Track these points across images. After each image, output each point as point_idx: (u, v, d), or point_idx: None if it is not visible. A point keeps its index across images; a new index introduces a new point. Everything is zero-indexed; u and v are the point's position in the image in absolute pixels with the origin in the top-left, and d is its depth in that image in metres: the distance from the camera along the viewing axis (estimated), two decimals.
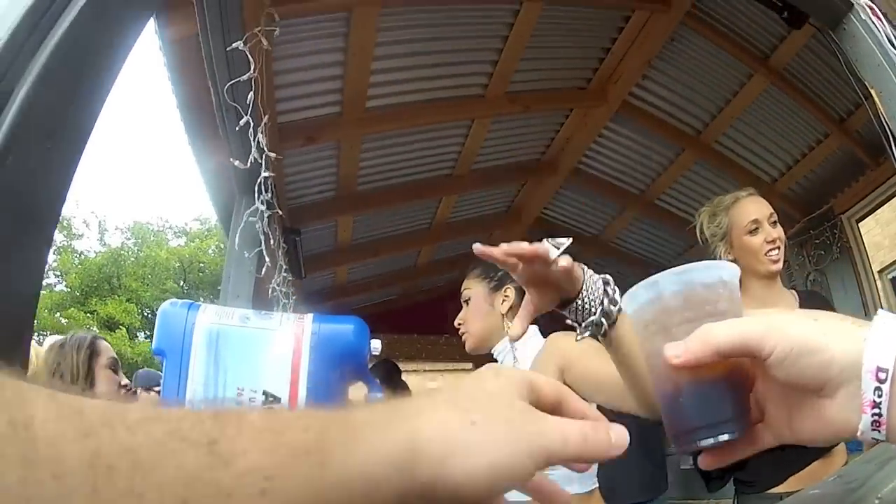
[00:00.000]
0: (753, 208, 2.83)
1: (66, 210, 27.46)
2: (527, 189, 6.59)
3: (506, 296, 2.54)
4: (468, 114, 5.07)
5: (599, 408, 1.68)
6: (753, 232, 2.79)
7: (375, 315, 8.47)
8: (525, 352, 2.44)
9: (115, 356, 3.26)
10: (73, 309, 25.89)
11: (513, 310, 2.50)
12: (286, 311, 4.67)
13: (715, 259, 2.88)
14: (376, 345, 1.85)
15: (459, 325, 2.60)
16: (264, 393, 1.64)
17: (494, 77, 4.76)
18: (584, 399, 0.78)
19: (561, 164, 6.06)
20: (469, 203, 6.62)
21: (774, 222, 2.78)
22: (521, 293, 2.36)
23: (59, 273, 27.46)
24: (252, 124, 2.99)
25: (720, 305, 0.76)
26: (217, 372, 1.66)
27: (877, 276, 5.80)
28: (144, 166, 59.15)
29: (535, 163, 6.16)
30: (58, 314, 25.55)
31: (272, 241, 3.91)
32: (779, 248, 2.75)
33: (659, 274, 0.79)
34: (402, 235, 6.80)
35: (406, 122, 4.88)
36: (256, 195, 3.32)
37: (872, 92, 2.53)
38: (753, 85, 4.98)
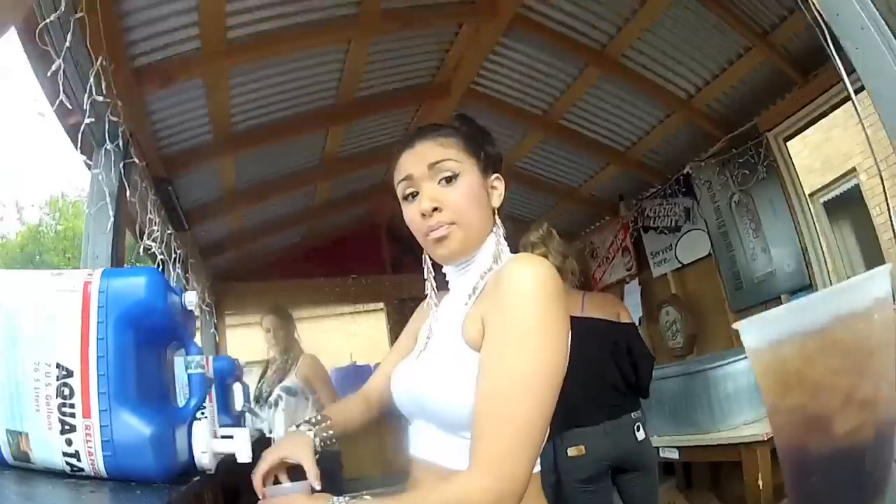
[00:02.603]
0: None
1: None
2: (421, 114, 6.27)
3: (493, 187, 1.86)
4: (341, 35, 4.69)
5: None
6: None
7: (280, 262, 8.50)
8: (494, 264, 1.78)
9: None
10: None
11: (503, 207, 1.87)
12: (167, 268, 4.41)
13: None
14: (190, 298, 1.60)
15: (435, 209, 1.72)
16: (57, 366, 1.46)
17: None
18: None
19: (454, 85, 5.76)
20: (360, 134, 6.29)
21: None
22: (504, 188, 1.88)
23: None
24: (63, 66, 2.65)
25: (872, 341, 0.53)
26: (15, 346, 1.48)
27: (808, 200, 5.69)
28: (53, 139, 57.74)
29: (427, 85, 5.84)
30: None
31: (129, 193, 3.57)
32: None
33: (793, 303, 0.56)
34: (291, 174, 6.48)
35: (273, 51, 4.49)
36: (88, 146, 3.00)
37: None
38: None
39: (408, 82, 5.72)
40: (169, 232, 4.82)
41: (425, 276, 1.94)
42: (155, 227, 4.24)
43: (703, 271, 6.59)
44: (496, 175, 1.87)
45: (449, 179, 1.74)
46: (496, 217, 1.84)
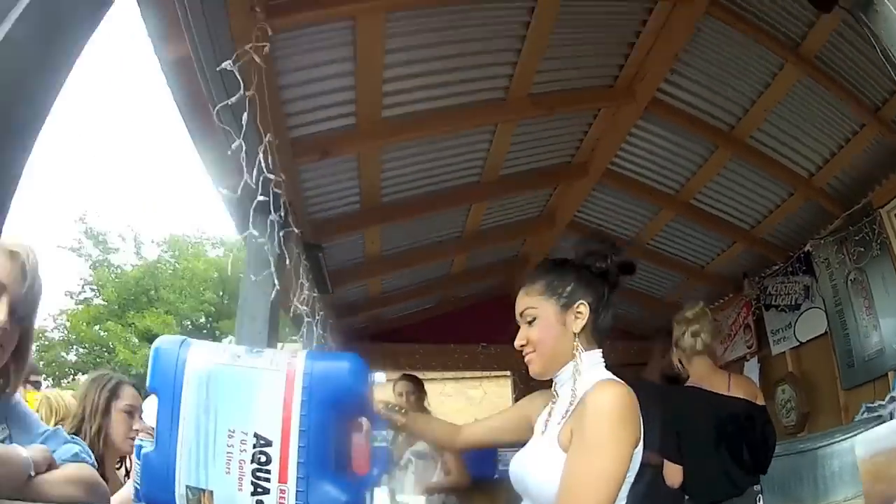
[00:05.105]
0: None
1: (102, 225, 27.86)
2: (559, 192, 6.45)
3: (578, 312, 2.30)
4: (490, 119, 4.94)
5: None
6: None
7: (411, 326, 8.60)
8: (586, 379, 2.24)
9: (136, 404, 3.50)
10: (110, 322, 26.31)
11: (586, 328, 2.31)
12: (312, 328, 4.60)
13: None
14: (379, 377, 1.78)
15: (522, 346, 2.33)
16: (255, 435, 1.60)
17: (515, 79, 4.60)
18: None
19: (592, 166, 5.91)
20: (501, 209, 6.50)
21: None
22: (594, 309, 2.31)
23: (95, 287, 27.74)
24: (244, 147, 2.88)
25: None
26: (208, 411, 1.62)
27: None
28: (179, 180, 59.87)
29: (566, 166, 6.01)
30: (96, 327, 26.07)
31: (288, 260, 3.82)
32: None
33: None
34: (433, 245, 6.71)
35: (425, 131, 4.75)
36: (252, 217, 3.22)
37: None
38: (785, 75, 4.76)
39: (548, 162, 5.90)
40: (314, 295, 5.06)
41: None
42: (304, 291, 4.47)
43: (819, 349, 6.46)
44: (580, 302, 2.31)
45: (531, 321, 2.31)
46: (576, 339, 2.30)
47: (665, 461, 4.20)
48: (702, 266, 7.49)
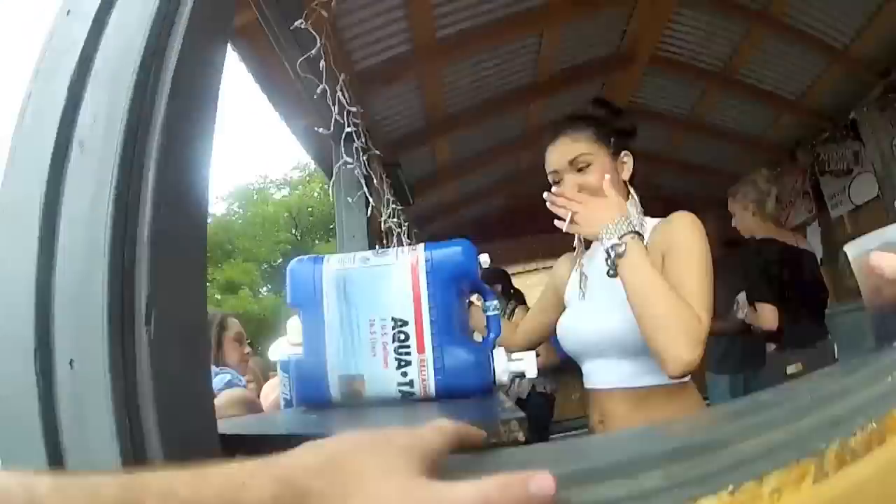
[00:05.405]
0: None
1: None
2: (610, 83, 6.67)
3: (624, 161, 2.23)
4: (535, 27, 5.25)
5: None
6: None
7: (488, 224, 8.95)
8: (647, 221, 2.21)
9: (241, 331, 3.98)
10: None
11: (634, 178, 2.26)
12: (400, 238, 4.99)
13: None
14: (484, 259, 2.02)
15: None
16: (393, 319, 1.88)
17: None
18: None
19: (639, 53, 6.15)
20: (558, 104, 6.60)
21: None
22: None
23: None
24: (328, 90, 3.21)
25: None
26: (349, 309, 1.89)
27: None
28: (230, 129, 59.77)
29: (614, 55, 6.26)
30: None
31: (374, 180, 4.20)
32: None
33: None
34: (496, 147, 7.09)
35: (477, 46, 5.09)
36: (341, 149, 3.64)
37: None
38: None
39: (597, 54, 6.16)
40: (399, 208, 5.50)
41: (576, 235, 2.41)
42: (390, 206, 4.90)
43: (875, 212, 6.58)
44: (626, 151, 2.23)
45: (582, 168, 2.15)
46: (629, 187, 2.24)
47: (758, 305, 4.30)
48: (755, 134, 7.62)
